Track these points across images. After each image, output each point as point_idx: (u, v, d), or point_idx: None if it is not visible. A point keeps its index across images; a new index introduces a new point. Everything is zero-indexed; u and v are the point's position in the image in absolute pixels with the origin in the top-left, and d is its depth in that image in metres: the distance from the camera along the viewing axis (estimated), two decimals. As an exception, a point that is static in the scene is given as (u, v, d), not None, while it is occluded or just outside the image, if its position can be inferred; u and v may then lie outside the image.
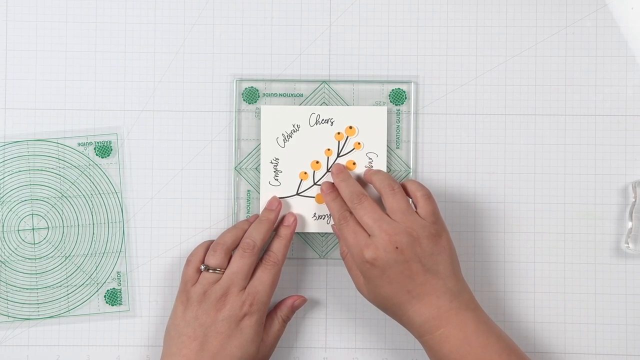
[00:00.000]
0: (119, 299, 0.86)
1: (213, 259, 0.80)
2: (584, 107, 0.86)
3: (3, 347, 0.85)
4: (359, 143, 0.85)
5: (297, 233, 0.85)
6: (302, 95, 0.86)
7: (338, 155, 0.85)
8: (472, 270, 0.82)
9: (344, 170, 0.84)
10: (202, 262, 0.81)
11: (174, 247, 0.86)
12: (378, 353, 0.86)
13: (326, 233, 0.85)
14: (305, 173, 0.85)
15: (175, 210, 0.86)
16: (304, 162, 0.85)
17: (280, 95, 0.86)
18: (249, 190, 0.86)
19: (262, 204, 0.85)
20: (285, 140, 0.85)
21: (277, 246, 0.82)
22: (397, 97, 0.85)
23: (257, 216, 0.84)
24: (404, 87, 0.86)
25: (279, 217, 0.84)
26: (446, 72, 0.87)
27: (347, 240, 0.79)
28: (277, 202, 0.84)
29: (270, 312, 0.83)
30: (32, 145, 0.86)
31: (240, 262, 0.80)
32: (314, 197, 0.85)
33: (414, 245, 0.76)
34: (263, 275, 0.80)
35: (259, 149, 0.85)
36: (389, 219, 0.78)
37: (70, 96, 0.87)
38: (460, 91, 0.87)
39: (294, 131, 0.85)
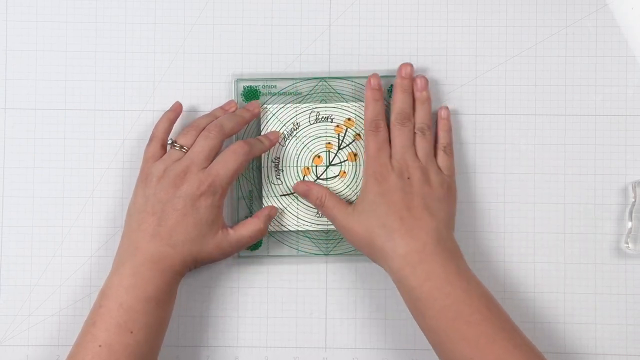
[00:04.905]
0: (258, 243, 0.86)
1: (183, 138, 0.81)
2: (584, 107, 0.86)
3: (3, 347, 0.85)
4: (358, 134, 0.85)
5: (300, 231, 0.85)
6: (301, 93, 0.86)
7: (339, 148, 0.85)
8: (472, 270, 0.82)
9: (410, 78, 0.84)
10: (166, 140, 0.82)
11: (174, 247, 0.86)
12: (378, 353, 0.86)
13: (329, 230, 0.85)
14: (308, 168, 0.85)
15: (175, 210, 0.86)
16: (306, 159, 0.85)
17: (280, 94, 0.86)
18: (250, 190, 0.86)
19: (264, 203, 0.85)
20: (285, 139, 0.85)
21: (253, 141, 0.82)
22: (397, 93, 0.85)
23: (234, 106, 0.84)
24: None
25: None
26: (446, 72, 0.87)
27: (368, 149, 0.81)
28: (257, 106, 0.84)
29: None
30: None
31: (203, 142, 0.80)
32: (316, 192, 0.85)
33: (424, 184, 0.80)
34: (228, 159, 0.80)
35: (260, 148, 0.85)
36: (414, 153, 0.81)
37: (70, 96, 0.87)
38: (460, 91, 0.87)
39: (294, 129, 0.85)
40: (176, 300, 0.84)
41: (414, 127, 0.83)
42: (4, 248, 0.86)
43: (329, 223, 0.85)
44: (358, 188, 0.85)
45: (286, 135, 0.85)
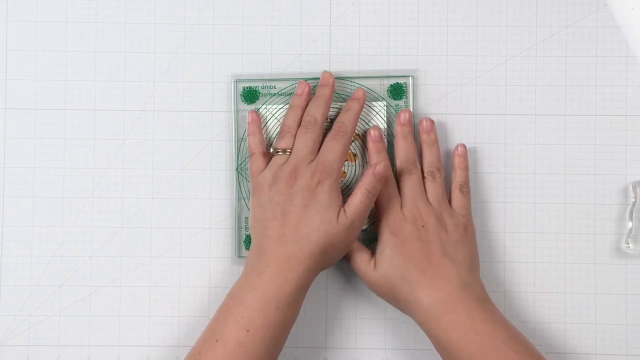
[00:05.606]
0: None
1: (282, 142, 0.81)
2: (584, 107, 0.86)
3: (3, 347, 0.85)
4: (358, 135, 0.85)
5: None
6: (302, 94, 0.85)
7: None
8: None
9: (410, 124, 0.84)
10: (266, 148, 0.82)
11: (174, 247, 0.86)
12: (378, 353, 0.86)
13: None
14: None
15: (175, 210, 0.86)
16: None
17: (279, 94, 0.86)
18: (250, 191, 0.85)
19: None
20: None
21: (346, 116, 0.82)
22: (396, 92, 0.85)
23: (307, 86, 0.83)
24: (401, 81, 0.86)
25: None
26: (446, 72, 0.87)
27: (379, 202, 0.81)
28: (330, 76, 0.84)
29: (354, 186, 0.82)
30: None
31: (304, 138, 0.80)
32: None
33: (439, 230, 0.79)
34: (331, 145, 0.80)
35: (260, 148, 0.85)
36: (425, 198, 0.81)
37: (70, 96, 0.87)
38: (460, 91, 0.87)
39: (295, 130, 0.85)
40: (177, 300, 0.85)
41: (421, 170, 0.83)
42: (4, 248, 0.86)
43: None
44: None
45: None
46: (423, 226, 0.79)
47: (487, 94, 0.86)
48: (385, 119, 0.85)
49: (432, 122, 0.84)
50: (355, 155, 0.85)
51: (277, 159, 0.81)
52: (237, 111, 0.86)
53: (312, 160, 0.79)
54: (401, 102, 0.86)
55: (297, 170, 0.79)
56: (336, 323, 0.86)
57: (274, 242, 0.77)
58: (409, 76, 0.86)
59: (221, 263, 0.86)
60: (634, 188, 0.85)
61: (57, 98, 0.86)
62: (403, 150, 0.83)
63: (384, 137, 0.84)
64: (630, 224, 0.85)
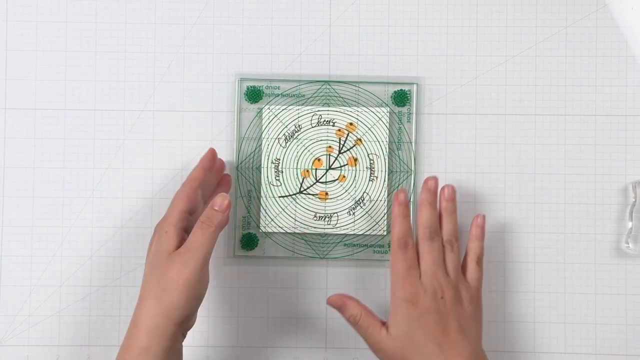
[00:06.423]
0: (254, 244, 0.86)
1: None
2: (584, 107, 0.86)
3: (3, 347, 0.85)
4: (359, 139, 0.85)
5: (297, 233, 0.85)
6: (304, 95, 0.86)
7: (339, 152, 0.85)
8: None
9: (436, 192, 0.81)
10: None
11: (174, 247, 0.86)
12: (378, 353, 0.86)
13: (326, 234, 0.85)
14: (307, 171, 0.85)
15: (175, 210, 0.86)
16: (306, 161, 0.85)
17: (283, 95, 0.86)
18: (249, 190, 0.86)
19: (262, 204, 0.85)
20: (286, 141, 0.85)
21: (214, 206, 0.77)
22: (400, 99, 0.85)
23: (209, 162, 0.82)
24: (406, 88, 0.86)
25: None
26: (446, 72, 0.87)
27: (397, 268, 0.79)
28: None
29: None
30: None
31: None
32: (317, 194, 0.85)
33: (456, 303, 0.78)
34: (198, 232, 0.75)
35: (261, 148, 0.85)
36: (445, 269, 0.79)
37: (70, 96, 0.87)
38: (460, 91, 0.87)
39: (296, 131, 0.85)
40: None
41: (441, 240, 0.81)
42: (4, 248, 0.86)
43: (326, 226, 0.85)
44: (356, 193, 0.85)
45: (287, 137, 0.85)
46: (442, 298, 0.78)
47: (487, 94, 0.87)
48: (387, 125, 0.85)
49: (454, 189, 0.82)
50: (356, 160, 0.85)
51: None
52: (239, 110, 0.86)
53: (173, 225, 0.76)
54: (404, 109, 0.86)
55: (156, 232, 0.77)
56: (336, 323, 0.86)
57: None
58: (413, 83, 0.86)
59: (220, 262, 0.86)
60: (634, 188, 0.85)
61: (57, 98, 0.87)
62: (428, 217, 0.80)
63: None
64: (630, 224, 0.85)
